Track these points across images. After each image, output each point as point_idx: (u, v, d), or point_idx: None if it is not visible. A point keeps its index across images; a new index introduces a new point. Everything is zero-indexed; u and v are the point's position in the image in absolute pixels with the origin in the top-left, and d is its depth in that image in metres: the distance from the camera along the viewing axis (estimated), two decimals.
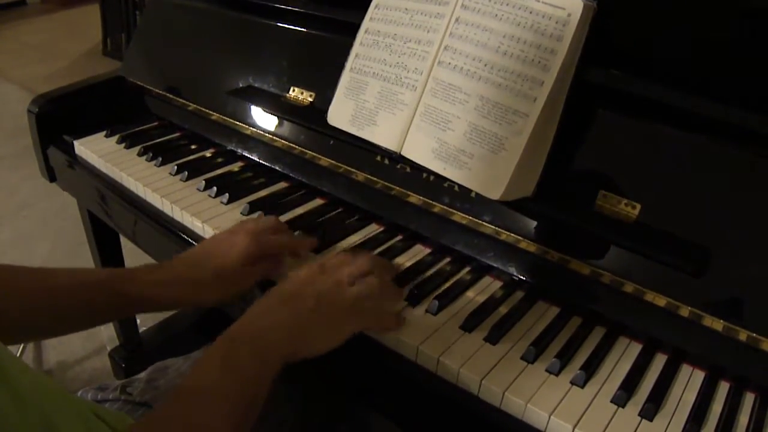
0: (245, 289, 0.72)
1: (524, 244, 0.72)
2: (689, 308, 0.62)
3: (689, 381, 0.63)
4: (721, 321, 0.60)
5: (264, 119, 0.95)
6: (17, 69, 3.59)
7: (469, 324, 0.67)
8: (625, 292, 0.66)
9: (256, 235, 0.72)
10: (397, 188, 0.81)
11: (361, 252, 0.72)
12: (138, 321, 1.44)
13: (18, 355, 1.57)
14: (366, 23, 0.80)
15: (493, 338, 0.65)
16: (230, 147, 1.01)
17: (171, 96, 1.09)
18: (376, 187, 0.83)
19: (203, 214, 0.85)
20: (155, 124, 1.13)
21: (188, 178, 0.94)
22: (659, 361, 0.65)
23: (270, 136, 0.95)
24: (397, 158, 0.78)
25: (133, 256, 1.28)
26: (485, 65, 0.69)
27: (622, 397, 0.59)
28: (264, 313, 0.61)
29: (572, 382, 0.61)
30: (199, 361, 0.57)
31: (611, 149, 0.68)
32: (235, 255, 0.70)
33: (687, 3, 0.67)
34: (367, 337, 0.67)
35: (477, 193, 0.73)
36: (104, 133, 1.08)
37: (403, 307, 0.69)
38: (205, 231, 0.84)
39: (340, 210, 0.88)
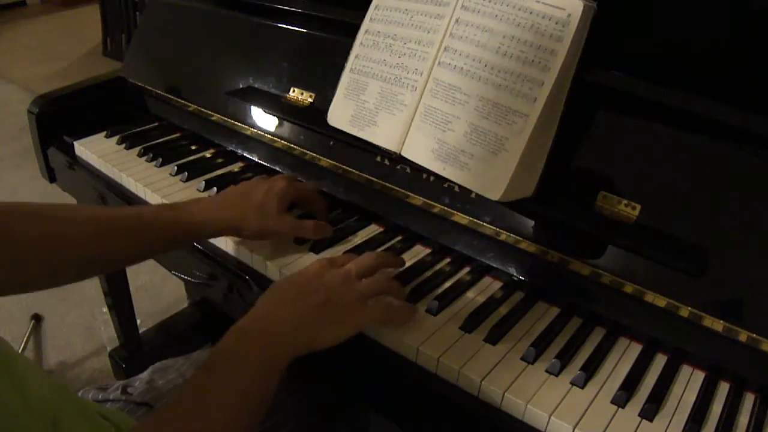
0: (283, 231, 0.77)
1: (524, 245, 0.72)
2: (689, 309, 0.62)
3: (689, 381, 0.63)
4: (721, 321, 0.60)
5: (264, 120, 0.96)
6: (17, 69, 3.59)
7: (469, 324, 0.67)
8: (625, 292, 0.66)
9: (291, 181, 0.80)
10: (397, 189, 0.81)
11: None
12: (138, 321, 1.44)
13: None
14: (366, 24, 0.80)
15: (493, 339, 0.65)
16: (230, 147, 1.01)
17: (171, 96, 1.09)
18: (376, 188, 0.83)
19: None
20: (155, 124, 1.13)
21: (188, 179, 0.94)
22: (659, 362, 0.65)
23: (270, 136, 0.95)
24: (397, 159, 0.78)
25: None
26: (485, 66, 0.69)
27: (622, 398, 0.59)
28: (274, 306, 0.61)
29: (572, 383, 0.61)
30: (209, 354, 0.57)
31: (611, 150, 0.68)
32: (276, 193, 0.77)
33: (687, 3, 0.68)
34: (367, 338, 0.67)
35: (477, 194, 0.73)
36: (104, 133, 1.08)
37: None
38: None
39: (340, 211, 0.88)
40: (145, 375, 0.79)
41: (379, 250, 0.79)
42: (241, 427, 0.54)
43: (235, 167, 0.99)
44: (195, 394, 0.54)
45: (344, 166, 0.86)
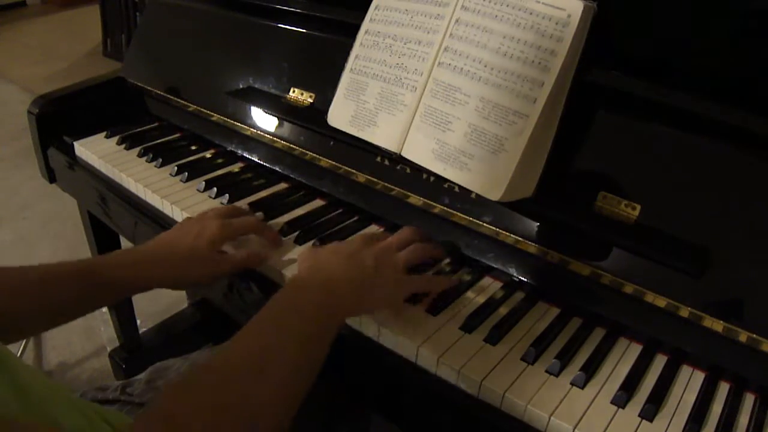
0: (220, 273, 0.74)
1: (524, 245, 0.72)
2: (689, 309, 0.62)
3: (689, 382, 0.63)
4: (721, 322, 0.60)
5: (264, 120, 0.96)
6: (17, 70, 3.59)
7: (469, 325, 0.67)
8: (625, 293, 0.66)
9: (225, 220, 0.76)
10: (397, 189, 0.81)
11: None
12: (138, 322, 1.44)
13: (18, 355, 1.57)
14: (366, 24, 0.80)
15: (493, 339, 0.65)
16: (230, 148, 1.01)
17: (171, 97, 1.09)
18: (377, 188, 0.83)
19: None
20: (155, 125, 1.13)
21: (188, 179, 0.94)
22: (659, 362, 0.65)
23: (270, 137, 0.95)
24: (397, 159, 0.78)
25: None
26: (485, 66, 0.69)
27: (622, 398, 0.59)
28: (328, 265, 0.64)
29: (572, 383, 0.61)
30: (268, 304, 0.58)
31: (611, 150, 0.68)
32: (207, 237, 0.73)
33: (687, 3, 0.68)
34: (367, 338, 0.67)
35: (477, 194, 0.73)
36: (104, 134, 1.08)
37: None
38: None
39: (340, 211, 0.88)
40: (144, 375, 0.79)
41: None
42: (297, 382, 0.54)
43: (235, 167, 0.99)
44: (257, 330, 0.55)
45: (344, 167, 0.86)
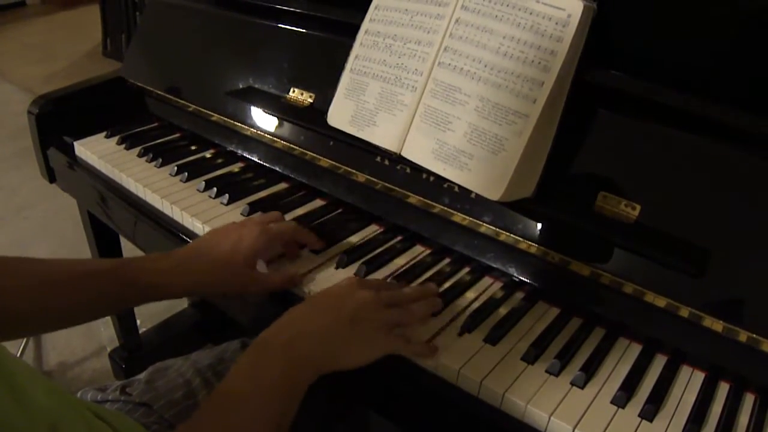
0: (250, 292, 0.72)
1: (524, 245, 0.72)
2: (689, 309, 0.62)
3: (689, 382, 0.63)
4: (721, 322, 0.60)
5: (264, 120, 0.96)
6: (17, 70, 3.59)
7: (469, 325, 0.67)
8: (625, 292, 0.66)
9: (264, 227, 0.73)
10: (397, 189, 0.81)
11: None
12: (138, 322, 1.44)
13: (18, 355, 1.57)
14: (366, 24, 0.80)
15: (493, 339, 0.65)
16: (230, 148, 1.01)
17: (171, 97, 1.09)
18: (376, 188, 0.83)
19: (203, 215, 0.85)
20: (155, 125, 1.13)
21: (188, 179, 0.94)
22: (659, 362, 0.65)
23: (270, 136, 0.95)
24: (397, 159, 0.78)
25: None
26: (485, 66, 0.69)
27: (622, 398, 0.59)
28: (298, 319, 0.60)
29: (572, 383, 0.61)
30: (233, 366, 0.56)
31: (611, 150, 0.68)
32: (245, 247, 0.71)
33: (686, 3, 0.67)
34: None
35: (477, 194, 0.73)
36: (104, 134, 1.08)
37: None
38: (205, 232, 0.84)
39: (340, 211, 0.88)
40: (144, 375, 0.79)
41: (379, 250, 0.79)
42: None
43: (235, 167, 0.99)
44: (221, 400, 0.53)
45: (344, 167, 0.86)
